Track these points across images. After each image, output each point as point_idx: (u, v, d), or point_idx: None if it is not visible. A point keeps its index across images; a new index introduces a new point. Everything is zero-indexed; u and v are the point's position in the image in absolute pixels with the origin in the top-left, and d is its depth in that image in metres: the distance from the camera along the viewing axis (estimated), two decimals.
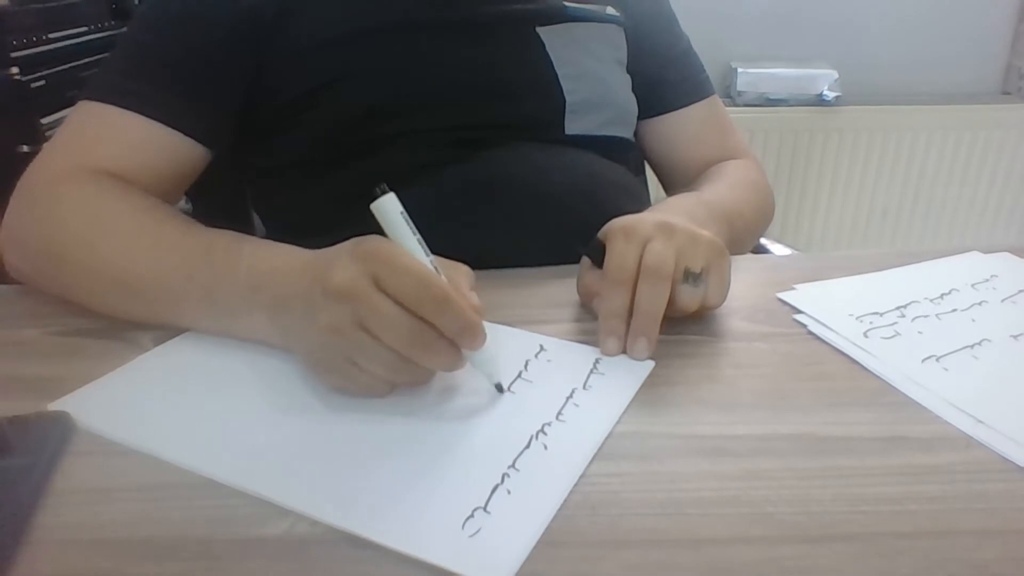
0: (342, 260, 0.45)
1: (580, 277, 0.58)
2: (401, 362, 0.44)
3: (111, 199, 0.59)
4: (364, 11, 0.69)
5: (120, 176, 0.62)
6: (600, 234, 0.56)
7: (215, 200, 0.93)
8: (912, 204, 1.91)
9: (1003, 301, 0.59)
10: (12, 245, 0.60)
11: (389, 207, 0.46)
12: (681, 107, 0.84)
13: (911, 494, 0.39)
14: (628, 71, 0.81)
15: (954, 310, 0.58)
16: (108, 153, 0.63)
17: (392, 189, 0.46)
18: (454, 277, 0.47)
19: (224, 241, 0.54)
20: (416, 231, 0.46)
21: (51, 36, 1.34)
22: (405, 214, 0.46)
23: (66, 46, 1.36)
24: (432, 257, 0.46)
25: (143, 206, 0.59)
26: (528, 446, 0.42)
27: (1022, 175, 1.89)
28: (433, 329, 0.43)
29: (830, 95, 1.77)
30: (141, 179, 0.63)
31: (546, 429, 0.44)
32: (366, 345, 0.43)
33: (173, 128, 0.65)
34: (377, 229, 0.46)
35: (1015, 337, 0.54)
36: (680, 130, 0.85)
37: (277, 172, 0.74)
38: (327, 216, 0.70)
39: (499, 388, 0.47)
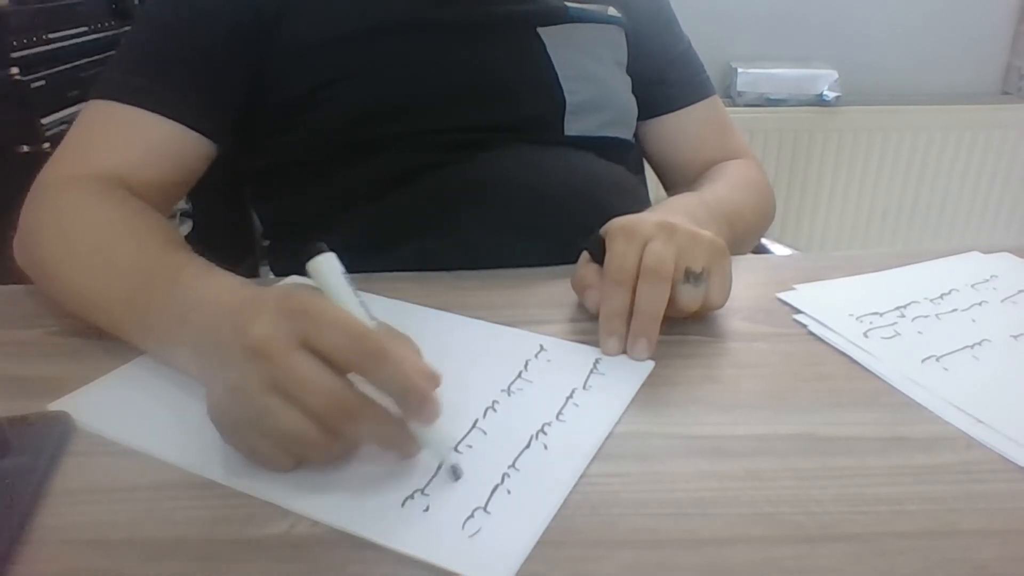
0: (264, 314, 0.39)
1: (576, 269, 0.58)
2: (313, 433, 0.38)
3: (87, 216, 0.58)
4: (364, 11, 0.69)
5: (123, 175, 0.62)
6: (600, 232, 0.56)
7: (215, 200, 0.93)
8: (912, 204, 1.91)
9: (1003, 301, 0.59)
10: (18, 252, 0.61)
11: (327, 267, 0.40)
12: (681, 107, 0.84)
13: (911, 494, 0.39)
14: (628, 72, 0.81)
15: (954, 310, 0.58)
16: (113, 153, 0.64)
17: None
18: (399, 346, 0.41)
19: (170, 266, 0.52)
20: (359, 292, 0.41)
21: (51, 36, 1.34)
22: (347, 274, 0.40)
23: (66, 46, 1.37)
24: (378, 322, 0.41)
25: (113, 221, 0.58)
26: (528, 446, 0.42)
27: (1022, 175, 1.89)
28: (362, 395, 0.38)
29: (830, 95, 1.77)
30: (146, 175, 0.63)
31: (546, 429, 0.44)
32: (274, 410, 0.37)
33: (179, 122, 0.65)
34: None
35: (1015, 337, 0.54)
36: (681, 130, 0.85)
37: (276, 172, 0.74)
38: (326, 217, 0.70)
39: (455, 472, 0.40)
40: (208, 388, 0.42)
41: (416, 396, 0.38)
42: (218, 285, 0.48)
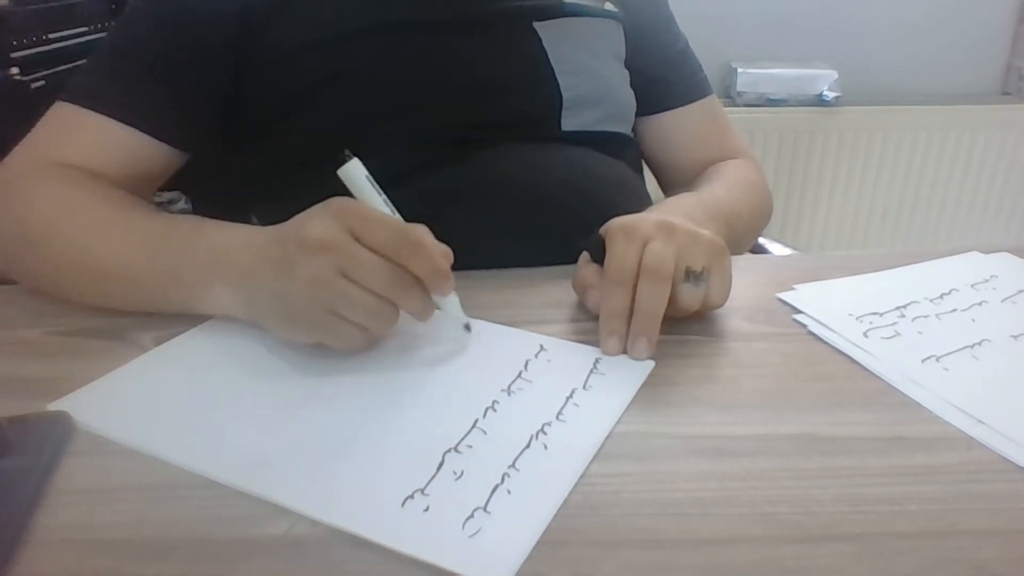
0: (316, 218, 0.47)
1: (577, 270, 0.58)
2: (381, 306, 0.47)
3: (80, 187, 0.60)
4: (357, 10, 0.69)
5: (89, 171, 0.63)
6: (600, 232, 0.56)
7: (215, 201, 0.93)
8: (912, 204, 1.91)
9: (1003, 301, 0.59)
10: None
11: (355, 172, 0.49)
12: (679, 106, 0.84)
13: (911, 494, 0.39)
14: (626, 68, 0.81)
15: (954, 310, 0.58)
16: (76, 152, 0.64)
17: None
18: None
19: (186, 223, 0.57)
20: (382, 191, 0.50)
21: (51, 36, 1.33)
22: (371, 177, 0.49)
23: (66, 46, 1.36)
24: (399, 216, 0.50)
25: (111, 194, 0.60)
26: (528, 446, 0.42)
27: (1022, 175, 1.89)
28: (408, 273, 0.47)
29: (830, 95, 1.77)
30: (109, 178, 0.64)
31: (546, 429, 0.44)
32: (348, 292, 0.46)
33: (143, 132, 0.65)
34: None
35: (1015, 337, 0.54)
36: (678, 129, 0.85)
37: (273, 173, 0.74)
38: None
39: (467, 328, 0.52)
40: (269, 309, 0.50)
41: (442, 276, 0.48)
42: (242, 230, 0.54)
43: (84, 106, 0.65)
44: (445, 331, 0.54)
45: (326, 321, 0.47)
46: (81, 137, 0.64)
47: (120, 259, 0.56)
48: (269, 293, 0.50)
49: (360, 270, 0.46)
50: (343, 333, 0.48)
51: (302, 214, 0.49)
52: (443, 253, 0.49)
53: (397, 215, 0.50)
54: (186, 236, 0.55)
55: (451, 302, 0.51)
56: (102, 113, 0.64)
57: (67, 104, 0.65)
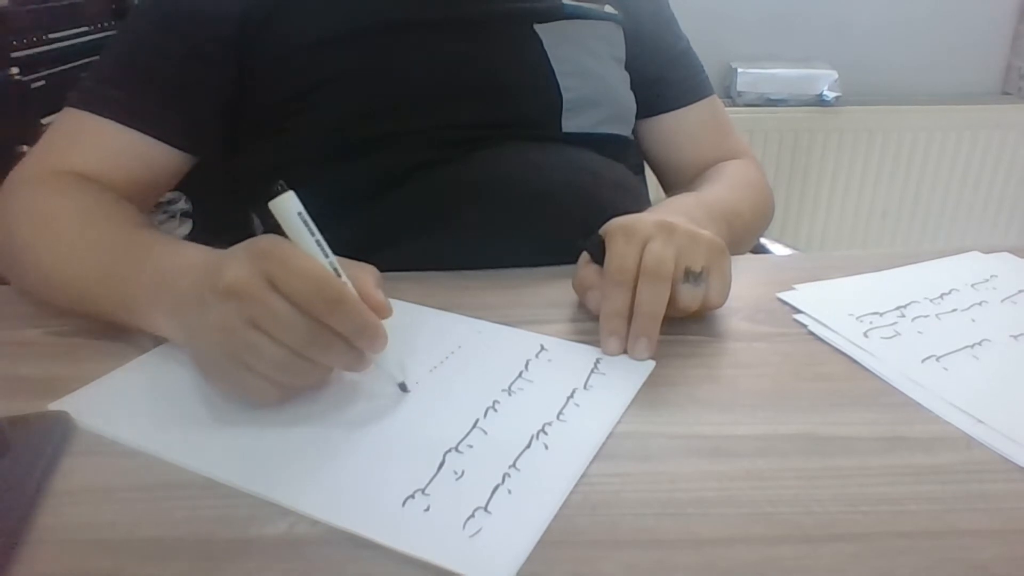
0: (235, 259, 0.43)
1: (577, 270, 0.58)
2: (296, 362, 0.42)
3: (62, 202, 0.60)
4: (358, 11, 0.69)
5: (94, 179, 0.63)
6: (600, 232, 0.56)
7: (216, 201, 0.93)
8: (912, 204, 1.91)
9: (1003, 301, 0.59)
10: None
11: (286, 206, 0.43)
12: (681, 107, 0.84)
13: (911, 494, 0.39)
14: (627, 70, 0.81)
15: (954, 310, 0.58)
16: (83, 158, 0.64)
17: (293, 187, 0.43)
18: (358, 276, 0.45)
19: (141, 241, 0.55)
20: (316, 231, 0.44)
21: (51, 36, 1.34)
22: (304, 213, 0.44)
23: (66, 46, 1.36)
24: (333, 258, 0.44)
25: (89, 207, 0.60)
26: (529, 446, 0.42)
27: (1022, 175, 1.89)
28: (331, 328, 0.42)
29: (830, 95, 1.77)
30: (116, 183, 0.64)
31: (547, 429, 0.44)
32: (257, 344, 0.41)
33: (149, 135, 0.66)
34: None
35: (1015, 337, 0.54)
36: (679, 130, 0.85)
37: (273, 173, 0.74)
38: (324, 217, 0.70)
39: (402, 388, 0.47)
40: (190, 341, 0.46)
41: (368, 334, 0.43)
42: (189, 251, 0.51)
43: (89, 111, 0.65)
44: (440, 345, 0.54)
45: (232, 371, 0.43)
46: (86, 143, 0.65)
47: (79, 280, 0.55)
48: (189, 328, 0.47)
49: (271, 322, 0.41)
50: (251, 385, 0.43)
51: (228, 250, 0.45)
52: (378, 304, 0.44)
53: (331, 257, 0.44)
54: (135, 259, 0.53)
55: (386, 359, 0.46)
56: (107, 117, 0.65)
57: (73, 110, 0.66)
